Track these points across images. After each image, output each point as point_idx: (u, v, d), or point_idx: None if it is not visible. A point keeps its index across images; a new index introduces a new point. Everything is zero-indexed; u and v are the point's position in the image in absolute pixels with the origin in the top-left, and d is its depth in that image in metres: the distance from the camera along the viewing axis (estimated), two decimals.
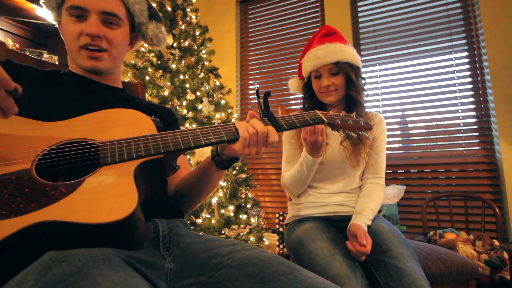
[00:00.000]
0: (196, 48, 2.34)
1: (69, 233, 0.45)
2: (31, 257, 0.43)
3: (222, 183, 2.05)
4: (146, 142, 0.59)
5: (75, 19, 0.71)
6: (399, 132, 2.43)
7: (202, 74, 2.29)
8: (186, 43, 2.30)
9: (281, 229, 2.37)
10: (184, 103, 2.10)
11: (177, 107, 2.08)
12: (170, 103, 2.08)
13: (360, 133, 0.81)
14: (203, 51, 2.37)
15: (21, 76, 0.69)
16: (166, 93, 2.09)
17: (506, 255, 1.63)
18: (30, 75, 0.70)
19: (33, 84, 0.69)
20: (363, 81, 1.20)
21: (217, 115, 2.15)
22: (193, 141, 0.61)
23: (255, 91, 0.75)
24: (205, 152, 2.00)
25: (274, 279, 0.56)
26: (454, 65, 2.28)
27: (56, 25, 0.81)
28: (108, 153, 0.55)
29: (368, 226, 1.01)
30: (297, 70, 1.28)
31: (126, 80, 0.94)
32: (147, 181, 0.58)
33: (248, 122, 0.66)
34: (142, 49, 2.27)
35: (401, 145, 2.42)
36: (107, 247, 0.46)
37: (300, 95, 1.29)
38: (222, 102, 2.26)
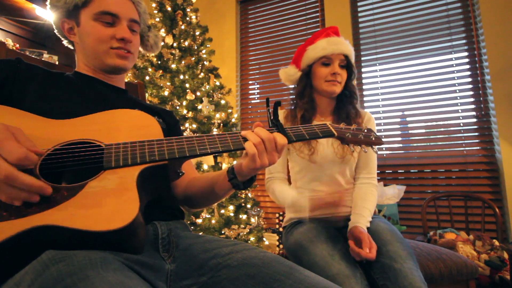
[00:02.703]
0: (196, 48, 2.34)
1: (68, 238, 0.45)
2: (30, 259, 0.43)
3: None
4: (151, 147, 0.58)
5: (105, 24, 0.74)
6: (399, 132, 2.43)
7: (202, 74, 2.29)
8: (186, 43, 2.30)
9: (281, 229, 2.37)
10: (184, 103, 2.11)
11: (177, 107, 2.08)
12: (170, 103, 2.09)
13: (371, 148, 0.79)
14: (203, 51, 2.37)
15: (30, 75, 0.69)
16: (166, 93, 2.09)
17: (506, 255, 1.62)
18: (38, 75, 0.71)
19: (41, 84, 0.69)
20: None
21: (217, 115, 2.15)
22: (198, 149, 0.61)
23: (265, 100, 0.73)
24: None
25: (274, 279, 0.56)
26: (454, 65, 2.28)
27: (59, 25, 0.80)
28: (113, 157, 0.55)
29: (367, 227, 1.01)
30: None
31: (126, 80, 0.94)
32: (150, 186, 0.58)
33: (253, 131, 0.65)
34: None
35: (401, 145, 2.42)
36: (106, 251, 0.46)
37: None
38: (222, 102, 2.26)
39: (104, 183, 0.51)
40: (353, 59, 1.15)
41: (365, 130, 0.78)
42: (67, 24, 0.78)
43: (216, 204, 1.96)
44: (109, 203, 0.48)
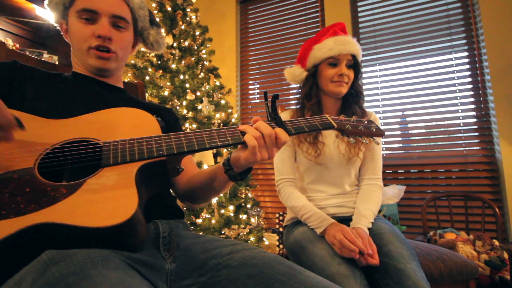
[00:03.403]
0: (196, 48, 2.34)
1: (68, 236, 0.45)
2: (30, 258, 0.42)
3: None
4: (149, 144, 0.58)
5: (86, 21, 0.73)
6: (399, 132, 2.43)
7: (202, 74, 2.29)
8: (186, 43, 2.30)
9: (281, 229, 2.37)
10: (184, 103, 2.11)
11: (177, 107, 2.08)
12: (170, 103, 2.09)
13: (372, 139, 0.77)
14: (203, 51, 2.37)
15: (27, 76, 0.69)
16: (166, 93, 2.09)
17: (506, 255, 1.62)
18: (35, 76, 0.71)
19: (39, 85, 0.69)
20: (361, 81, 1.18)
21: (217, 115, 2.15)
22: (197, 144, 0.60)
23: (263, 94, 0.72)
24: (205, 152, 1.99)
25: (274, 279, 0.56)
26: (454, 65, 2.28)
27: (58, 27, 0.82)
28: (111, 154, 0.55)
29: (368, 228, 1.01)
30: None
31: (126, 80, 0.94)
32: (149, 183, 0.58)
33: (252, 126, 0.64)
34: (142, 49, 2.27)
35: (401, 145, 2.42)
36: (107, 249, 0.46)
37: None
38: (222, 102, 2.26)
39: (103, 180, 0.51)
40: (360, 58, 1.13)
41: (366, 122, 0.76)
42: (64, 25, 0.79)
43: (216, 204, 1.96)
44: (108, 199, 0.48)
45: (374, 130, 0.76)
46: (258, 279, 0.57)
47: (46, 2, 0.77)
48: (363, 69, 2.54)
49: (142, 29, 0.87)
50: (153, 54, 2.27)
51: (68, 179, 0.52)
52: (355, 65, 1.12)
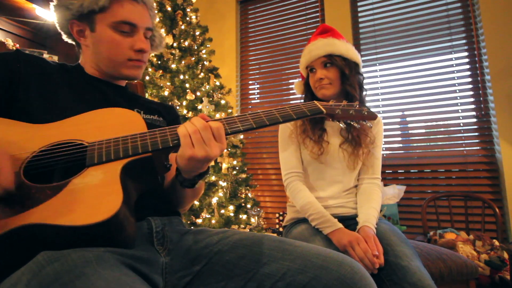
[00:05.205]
0: (196, 48, 2.34)
1: (54, 236, 0.45)
2: (22, 260, 0.43)
3: (222, 183, 2.05)
4: (134, 141, 0.57)
5: (123, 33, 0.72)
6: (399, 132, 2.42)
7: (202, 74, 2.29)
8: (186, 43, 2.30)
9: (281, 229, 2.37)
10: (184, 103, 2.11)
11: (177, 107, 2.08)
12: (170, 103, 2.09)
13: (364, 122, 0.77)
14: (203, 51, 2.37)
15: (35, 73, 0.67)
16: (166, 93, 2.09)
17: (506, 255, 1.62)
18: (41, 69, 0.69)
19: (43, 78, 0.68)
20: (361, 78, 1.18)
21: (217, 115, 2.15)
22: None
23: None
24: None
25: (264, 255, 0.57)
26: (454, 65, 2.27)
27: (66, 25, 0.76)
28: (95, 154, 0.55)
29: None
30: (297, 70, 1.27)
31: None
32: (136, 180, 0.57)
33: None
34: None
35: (401, 145, 2.42)
36: (96, 247, 0.46)
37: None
38: (222, 102, 2.26)
39: (88, 180, 0.51)
40: (345, 54, 1.10)
41: (356, 106, 0.76)
42: (76, 26, 0.74)
43: (216, 204, 1.96)
44: (93, 197, 0.48)
45: (365, 113, 0.76)
46: (249, 258, 0.58)
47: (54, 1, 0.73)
48: (363, 69, 2.54)
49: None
50: (153, 54, 2.27)
51: (57, 181, 0.51)
52: (337, 63, 1.10)
